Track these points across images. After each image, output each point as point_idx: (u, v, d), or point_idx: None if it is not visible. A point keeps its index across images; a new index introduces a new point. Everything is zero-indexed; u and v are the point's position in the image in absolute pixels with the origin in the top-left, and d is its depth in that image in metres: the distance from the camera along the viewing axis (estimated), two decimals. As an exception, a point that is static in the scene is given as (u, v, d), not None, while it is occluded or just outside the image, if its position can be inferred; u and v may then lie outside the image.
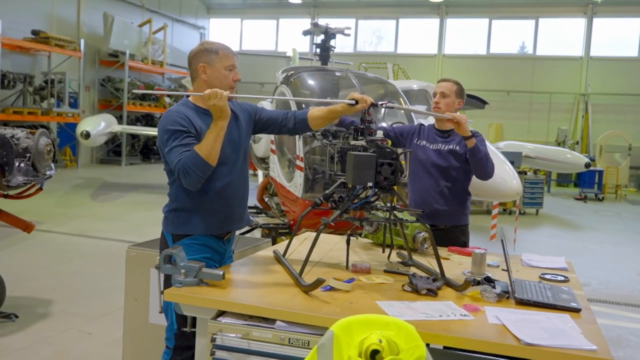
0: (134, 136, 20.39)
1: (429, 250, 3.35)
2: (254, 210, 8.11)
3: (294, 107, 6.46)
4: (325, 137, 3.62)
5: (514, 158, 10.53)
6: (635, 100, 20.67)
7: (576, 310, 2.25)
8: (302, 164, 6.16)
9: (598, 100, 21.04)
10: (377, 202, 2.76)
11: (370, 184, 2.60)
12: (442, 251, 3.31)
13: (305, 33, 7.47)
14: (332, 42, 7.34)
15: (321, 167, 6.21)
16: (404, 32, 23.49)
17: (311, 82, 7.00)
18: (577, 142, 20.51)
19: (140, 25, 20.86)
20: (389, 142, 2.66)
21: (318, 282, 2.34)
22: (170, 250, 2.46)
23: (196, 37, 24.55)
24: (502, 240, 2.68)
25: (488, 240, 8.16)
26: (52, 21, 17.95)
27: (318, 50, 7.34)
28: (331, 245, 3.50)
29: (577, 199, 16.95)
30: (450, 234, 3.72)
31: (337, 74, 6.97)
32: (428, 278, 2.61)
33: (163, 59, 21.58)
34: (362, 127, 2.87)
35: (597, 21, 21.48)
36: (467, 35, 22.75)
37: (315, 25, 7.22)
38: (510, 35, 22.63)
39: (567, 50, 21.72)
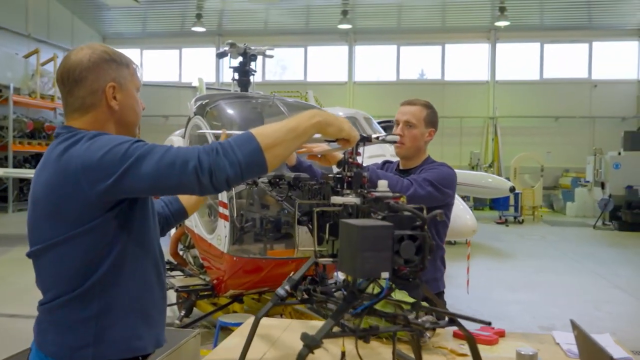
0: (22, 179, 18.17)
1: (434, 342, 2.33)
2: (167, 267, 6.78)
3: (210, 139, 5.31)
4: (273, 186, 2.53)
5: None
6: (541, 122, 21.04)
7: None
8: (226, 212, 4.99)
9: (506, 123, 21.23)
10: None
11: (385, 275, 1.52)
12: (444, 339, 2.29)
13: (221, 55, 6.35)
14: (252, 65, 6.28)
15: (250, 212, 5.08)
16: (312, 60, 22.84)
17: (231, 111, 5.87)
18: (491, 165, 20.52)
19: (26, 57, 18.81)
20: (403, 198, 1.60)
21: None
22: None
23: (91, 69, 22.61)
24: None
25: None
26: None
27: (236, 74, 6.25)
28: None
29: (498, 222, 16.71)
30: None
31: (260, 100, 5.90)
32: None
33: (54, 92, 19.56)
34: (348, 174, 1.82)
35: (500, 46, 21.81)
36: (376, 62, 22.43)
37: (232, 45, 6.13)
38: (418, 61, 22.55)
39: (474, 75, 21.87)
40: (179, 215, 2.30)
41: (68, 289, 1.69)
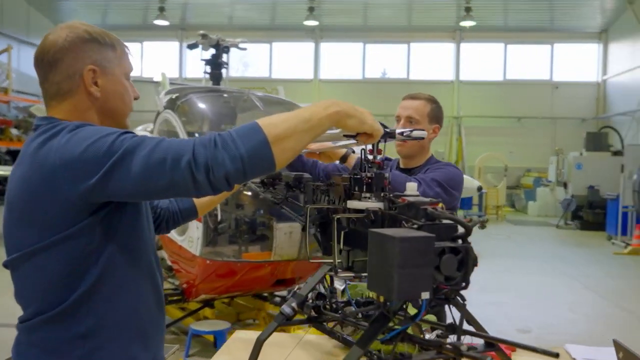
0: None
1: None
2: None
3: (182, 135, 5.00)
4: (267, 186, 2.27)
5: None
6: (504, 123, 21.22)
7: None
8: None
9: (470, 123, 21.33)
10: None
11: (425, 296, 1.28)
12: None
13: (192, 47, 6.02)
14: (224, 58, 5.97)
15: (224, 212, 4.78)
16: (278, 57, 22.50)
17: (203, 105, 5.55)
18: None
19: (-22, 47, 17.95)
20: (441, 204, 1.36)
21: None
22: None
23: (48, 61, 21.74)
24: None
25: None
26: None
27: (208, 67, 5.93)
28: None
29: (463, 222, 16.71)
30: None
31: (234, 94, 5.60)
32: None
33: (8, 85, 18.67)
34: (368, 175, 1.58)
35: (465, 46, 21.90)
36: (342, 60, 22.24)
37: (204, 36, 5.80)
38: (384, 60, 22.46)
39: (439, 74, 21.91)
40: (189, 214, 2.06)
41: (50, 304, 1.44)
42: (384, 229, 1.34)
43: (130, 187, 1.33)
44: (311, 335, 2.02)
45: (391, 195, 1.50)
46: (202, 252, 4.67)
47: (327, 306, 1.74)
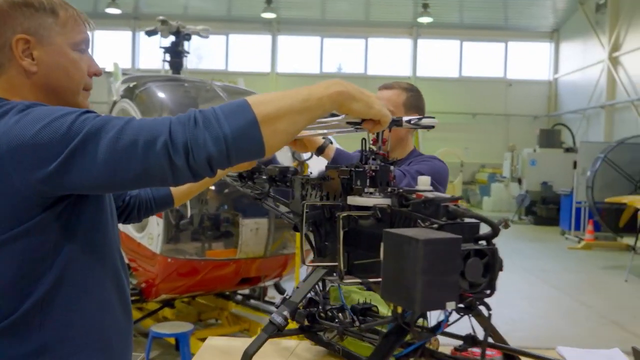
0: None
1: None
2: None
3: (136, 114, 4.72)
4: (244, 180, 2.09)
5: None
6: (459, 119, 21.42)
7: None
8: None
9: (427, 119, 21.43)
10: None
11: (451, 306, 1.12)
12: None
13: (150, 33, 5.72)
14: (185, 46, 5.71)
15: (187, 208, 4.55)
16: (234, 49, 22.10)
17: (162, 94, 5.27)
18: (412, 160, 20.67)
19: None
20: (461, 201, 1.20)
21: None
22: None
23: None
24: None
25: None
26: None
27: (167, 55, 5.65)
28: None
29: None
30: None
31: (196, 84, 5.35)
32: None
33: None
34: (373, 168, 1.41)
35: (422, 42, 22.01)
36: (300, 53, 22.04)
37: (163, 22, 5.52)
38: (342, 55, 22.37)
39: (396, 70, 21.95)
40: (164, 202, 1.83)
41: (0, 314, 1.22)
42: (401, 230, 1.17)
43: (94, 177, 1.11)
44: (303, 344, 1.83)
45: (400, 190, 1.33)
46: (163, 249, 4.43)
47: (322, 314, 1.56)
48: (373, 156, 1.42)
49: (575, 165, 13.92)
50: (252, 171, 2.04)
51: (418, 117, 1.44)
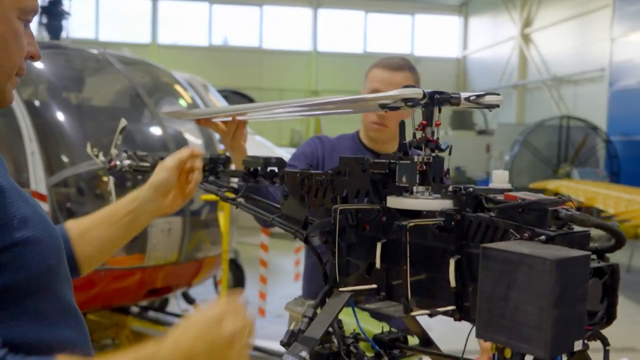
0: None
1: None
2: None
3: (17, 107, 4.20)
4: (204, 173, 1.81)
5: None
6: (365, 98, 21.69)
7: None
8: (46, 206, 3.95)
9: (329, 97, 21.52)
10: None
11: (578, 346, 0.92)
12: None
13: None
14: (66, 6, 5.16)
15: (80, 205, 4.12)
16: (105, 15, 20.92)
17: (38, 65, 4.72)
18: (314, 144, 20.66)
19: None
20: (571, 203, 0.99)
21: None
22: None
23: None
24: None
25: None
26: None
27: (44, 18, 5.09)
28: None
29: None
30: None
31: (84, 53, 4.85)
32: None
33: None
34: (424, 162, 1.18)
35: (322, 12, 21.96)
36: (186, 23, 21.29)
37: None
38: (232, 24, 21.83)
39: (294, 44, 21.79)
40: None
41: None
42: (506, 245, 0.95)
43: None
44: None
45: (470, 189, 1.11)
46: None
47: (343, 351, 1.32)
48: (424, 144, 1.17)
49: (488, 148, 14.46)
50: (214, 162, 1.75)
51: (478, 93, 1.21)
